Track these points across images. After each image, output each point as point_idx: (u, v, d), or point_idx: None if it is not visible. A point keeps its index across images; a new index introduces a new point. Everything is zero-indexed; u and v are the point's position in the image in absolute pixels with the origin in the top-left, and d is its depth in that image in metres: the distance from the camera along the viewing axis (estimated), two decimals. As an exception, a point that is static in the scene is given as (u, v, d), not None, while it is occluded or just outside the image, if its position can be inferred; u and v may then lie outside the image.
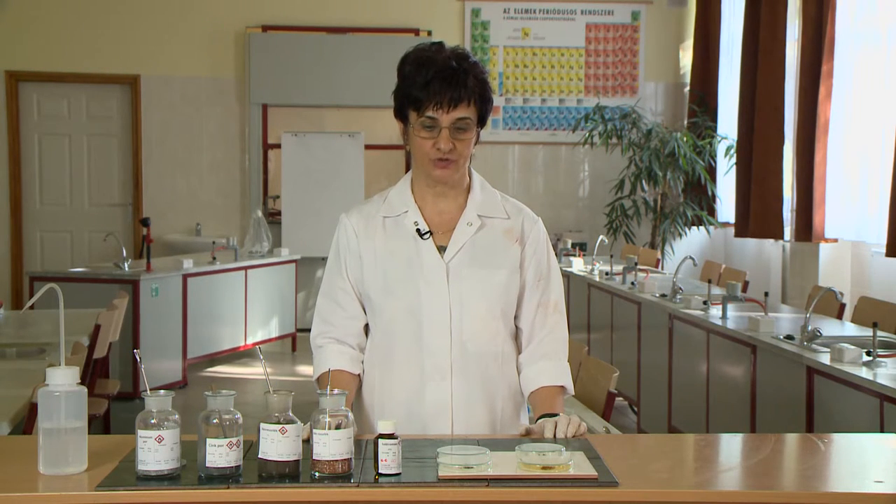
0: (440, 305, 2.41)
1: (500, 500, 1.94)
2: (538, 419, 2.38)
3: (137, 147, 9.81)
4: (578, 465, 2.03)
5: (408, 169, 11.16)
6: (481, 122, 2.42)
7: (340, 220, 2.53)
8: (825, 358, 3.95)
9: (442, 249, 2.44)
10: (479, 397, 2.43)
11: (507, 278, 2.46)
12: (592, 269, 7.35)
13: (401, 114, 2.43)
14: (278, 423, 1.97)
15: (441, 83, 2.33)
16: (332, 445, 1.96)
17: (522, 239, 2.50)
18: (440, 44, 2.43)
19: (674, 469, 2.16)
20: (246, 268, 8.13)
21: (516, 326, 2.52)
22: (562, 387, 2.47)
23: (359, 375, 2.47)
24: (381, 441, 1.98)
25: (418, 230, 2.45)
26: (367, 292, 2.46)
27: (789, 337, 4.35)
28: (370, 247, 2.46)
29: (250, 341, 8.12)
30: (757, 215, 7.94)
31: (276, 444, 1.96)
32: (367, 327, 2.52)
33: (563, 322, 2.53)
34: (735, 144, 8.58)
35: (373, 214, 2.50)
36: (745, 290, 6.21)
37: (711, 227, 9.26)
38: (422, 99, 2.34)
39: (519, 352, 2.51)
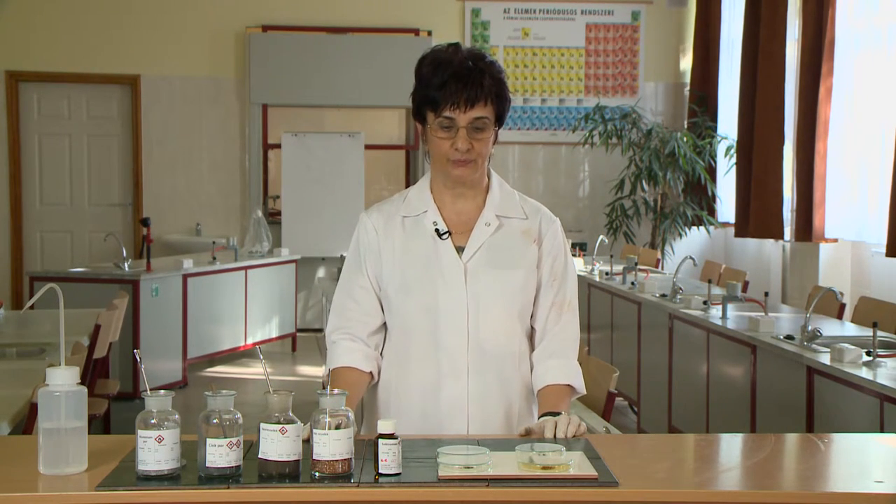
0: (457, 305, 2.42)
1: (500, 500, 1.94)
2: (540, 417, 2.38)
3: (137, 147, 9.81)
4: (578, 465, 2.03)
5: (408, 169, 11.12)
6: (499, 121, 2.43)
7: (360, 218, 2.54)
8: (825, 358, 3.95)
9: (460, 249, 2.46)
10: (495, 397, 2.44)
11: (524, 279, 2.47)
12: (592, 269, 7.35)
13: (419, 115, 2.44)
14: (278, 423, 1.97)
15: (457, 83, 2.35)
16: (332, 445, 1.96)
17: (540, 238, 2.51)
18: (456, 45, 2.44)
19: (674, 469, 2.16)
20: (246, 268, 8.13)
21: (530, 325, 2.53)
22: (570, 385, 2.47)
23: (370, 373, 2.47)
24: (381, 441, 1.98)
25: (437, 230, 2.46)
26: (386, 290, 2.47)
27: (789, 337, 4.35)
28: (389, 245, 2.48)
29: (250, 341, 8.12)
30: (757, 215, 7.95)
31: (276, 444, 1.96)
32: (384, 326, 2.52)
33: (574, 321, 2.54)
34: (735, 144, 8.59)
35: (392, 214, 2.51)
36: (745, 290, 6.21)
37: (711, 227, 9.26)
38: (438, 99, 2.36)
39: (533, 350, 2.52)
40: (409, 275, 2.44)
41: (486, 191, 2.51)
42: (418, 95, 2.42)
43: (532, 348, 2.52)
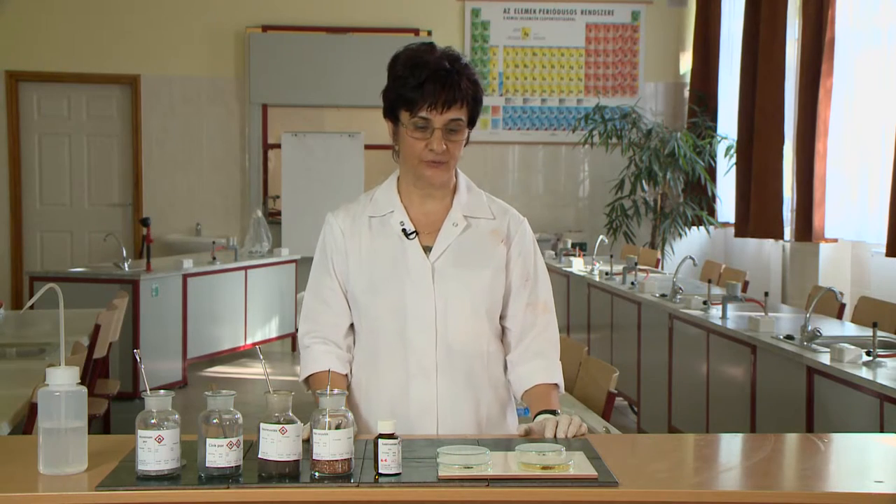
0: (425, 305, 2.41)
1: (500, 500, 1.94)
2: (537, 415, 2.38)
3: (137, 147, 9.81)
4: (578, 465, 2.03)
5: (408, 169, 11.01)
6: (471, 123, 2.42)
7: (327, 218, 2.54)
8: (825, 358, 3.95)
9: (427, 249, 2.45)
10: (464, 397, 2.44)
11: (491, 278, 2.46)
12: (592, 269, 7.35)
13: (391, 113, 2.44)
14: (278, 423, 1.97)
15: (435, 84, 2.34)
16: (332, 445, 1.96)
17: (508, 239, 2.50)
18: (431, 44, 2.44)
19: (674, 469, 2.16)
20: (246, 268, 8.13)
21: (504, 327, 2.52)
22: (556, 384, 2.47)
23: (346, 375, 2.47)
24: (381, 441, 1.98)
25: (404, 230, 2.45)
26: (353, 291, 2.47)
27: (789, 337, 4.35)
28: (356, 246, 2.47)
29: (250, 341, 8.12)
30: (757, 215, 7.94)
31: (276, 444, 1.96)
32: (354, 326, 2.51)
33: (553, 322, 2.54)
34: (735, 144, 8.59)
35: (359, 214, 2.50)
36: (745, 290, 6.21)
37: (711, 227, 9.26)
38: (415, 99, 2.35)
39: (506, 352, 2.51)
40: (376, 275, 2.43)
41: (453, 191, 2.50)
42: (392, 94, 2.41)
43: (503, 350, 2.51)
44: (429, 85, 2.34)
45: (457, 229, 2.46)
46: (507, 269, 2.48)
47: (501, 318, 2.50)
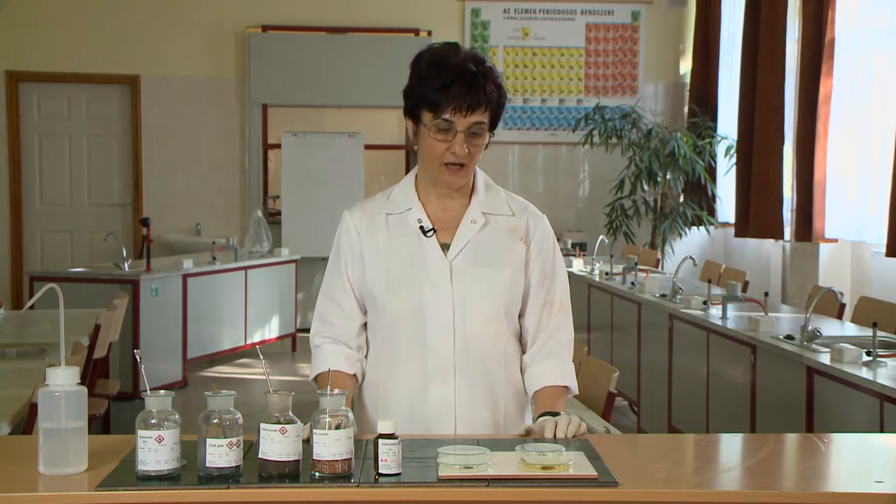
0: (443, 304, 2.40)
1: (500, 500, 1.93)
2: (538, 417, 2.38)
3: (137, 147, 9.81)
4: (578, 465, 2.03)
5: (408, 169, 11.16)
6: (492, 126, 2.41)
7: (343, 217, 2.51)
8: (825, 358, 3.95)
9: (445, 247, 2.43)
10: (482, 398, 2.42)
11: (511, 277, 2.44)
12: (592, 269, 7.35)
13: (413, 113, 2.41)
14: (278, 423, 1.97)
15: (461, 87, 2.32)
16: (332, 445, 1.96)
17: (527, 237, 2.48)
18: (455, 45, 2.41)
19: (674, 469, 2.16)
20: (246, 268, 8.13)
21: (521, 325, 2.50)
22: (565, 387, 2.46)
23: (355, 375, 2.45)
24: (381, 441, 1.98)
25: (422, 227, 2.43)
26: (370, 291, 2.45)
27: (789, 337, 4.35)
28: (373, 245, 2.45)
29: (250, 341, 8.12)
30: (757, 215, 7.95)
31: (276, 444, 1.96)
32: (366, 327, 2.50)
33: (568, 321, 2.51)
34: (735, 144, 8.59)
35: (376, 212, 2.48)
36: (745, 290, 6.21)
37: (711, 227, 9.26)
38: (440, 101, 2.33)
39: (523, 351, 2.50)
40: (393, 274, 2.42)
41: (471, 188, 2.49)
42: (416, 95, 2.38)
43: (522, 349, 2.50)
44: (454, 87, 2.32)
45: (475, 226, 2.44)
46: (527, 267, 2.47)
47: (518, 316, 2.49)
